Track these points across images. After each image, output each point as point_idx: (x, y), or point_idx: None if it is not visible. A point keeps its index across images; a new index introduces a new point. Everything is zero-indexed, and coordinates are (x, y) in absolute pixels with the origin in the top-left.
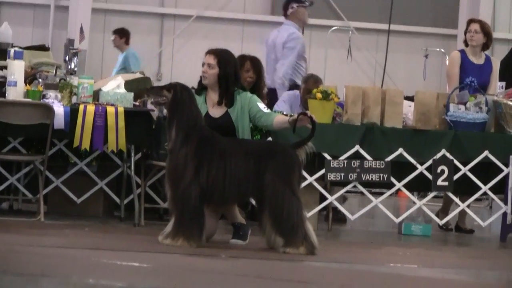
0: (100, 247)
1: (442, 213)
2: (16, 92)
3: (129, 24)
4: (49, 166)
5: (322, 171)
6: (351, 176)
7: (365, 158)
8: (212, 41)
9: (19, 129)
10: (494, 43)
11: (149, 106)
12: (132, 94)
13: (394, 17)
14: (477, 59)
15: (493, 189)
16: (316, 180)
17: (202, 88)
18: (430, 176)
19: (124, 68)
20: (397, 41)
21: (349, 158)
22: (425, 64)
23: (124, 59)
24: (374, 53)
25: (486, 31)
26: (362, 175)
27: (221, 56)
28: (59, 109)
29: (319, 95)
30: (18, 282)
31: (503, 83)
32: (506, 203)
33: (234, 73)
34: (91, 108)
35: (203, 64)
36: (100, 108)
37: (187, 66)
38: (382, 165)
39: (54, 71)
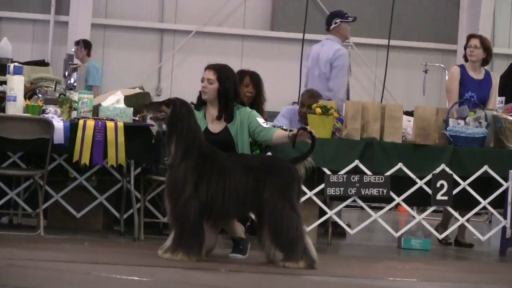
0: (100, 262)
1: (442, 227)
2: (15, 107)
3: (128, 39)
4: (48, 181)
5: (322, 186)
6: (350, 191)
7: (364, 173)
8: (212, 56)
9: (18, 144)
10: (493, 58)
11: (149, 121)
12: (131, 109)
13: (393, 33)
14: (477, 74)
15: (492, 203)
16: (316, 194)
17: (201, 103)
18: (429, 191)
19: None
20: (397, 56)
21: (349, 173)
22: (425, 79)
23: (86, 71)
24: (374, 68)
25: (486, 47)
26: (361, 189)
27: (221, 71)
28: (58, 124)
29: (318, 110)
30: None
31: (503, 98)
32: (505, 218)
33: (234, 88)
34: (90, 123)
35: (202, 80)
36: (100, 123)
37: (186, 81)
38: (382, 179)
39: (53, 86)
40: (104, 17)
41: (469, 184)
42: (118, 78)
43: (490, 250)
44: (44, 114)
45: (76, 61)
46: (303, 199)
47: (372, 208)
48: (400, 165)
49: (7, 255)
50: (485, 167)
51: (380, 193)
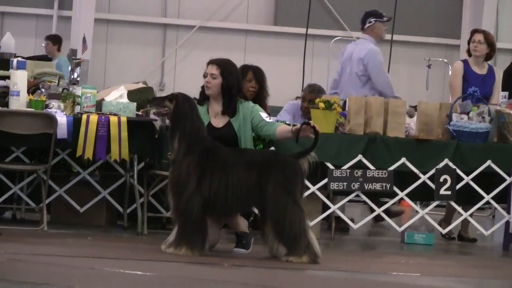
0: (103, 256)
1: (445, 222)
2: (19, 102)
3: (132, 34)
4: (52, 176)
5: (325, 181)
6: (353, 186)
7: (367, 168)
8: (215, 51)
9: (22, 138)
10: (496, 53)
11: (152, 116)
12: (135, 104)
13: (397, 28)
14: (480, 69)
15: (495, 198)
16: (319, 189)
17: (204, 98)
18: (433, 186)
19: None
20: (400, 51)
21: (352, 168)
22: (428, 74)
23: (56, 67)
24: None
25: (490, 42)
26: (364, 184)
27: (224, 66)
28: (62, 119)
29: (321, 105)
30: None
31: (506, 93)
32: (508, 212)
33: (237, 83)
34: (94, 118)
35: (205, 75)
36: (103, 118)
37: (189, 76)
38: (385, 174)
39: (57, 81)
40: (107, 12)
41: (472, 179)
42: (121, 73)
43: (494, 245)
44: (48, 109)
45: (79, 56)
46: (306, 194)
47: (375, 203)
48: (403, 160)
49: (11, 250)
50: (489, 162)
51: (384, 188)
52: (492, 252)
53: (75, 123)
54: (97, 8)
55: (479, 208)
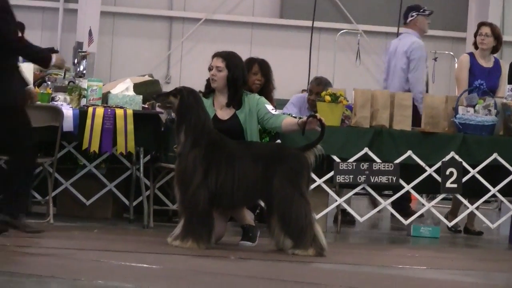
0: (109, 249)
1: (452, 215)
2: None
3: (138, 27)
4: (58, 169)
5: (331, 174)
6: (360, 179)
7: (374, 161)
8: (221, 44)
9: None
10: (502, 46)
11: (158, 109)
12: (141, 96)
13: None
14: (486, 62)
15: (502, 191)
16: (325, 182)
17: (209, 91)
18: (439, 179)
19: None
20: None
21: (358, 161)
22: (434, 67)
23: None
24: (383, 56)
25: (496, 35)
26: (371, 177)
27: (229, 58)
28: (68, 111)
29: (327, 98)
30: (27, 284)
31: None
32: None
33: (242, 75)
34: (100, 111)
35: (210, 68)
36: (109, 110)
37: (195, 69)
38: (391, 167)
39: (63, 74)
40: (113, 4)
41: (478, 172)
42: (127, 66)
43: (500, 238)
44: (54, 102)
45: (85, 48)
46: (312, 186)
47: (381, 195)
48: (409, 153)
49: (17, 243)
50: (495, 155)
51: (390, 181)
52: (498, 245)
53: (81, 116)
54: (103, 1)
55: (485, 201)
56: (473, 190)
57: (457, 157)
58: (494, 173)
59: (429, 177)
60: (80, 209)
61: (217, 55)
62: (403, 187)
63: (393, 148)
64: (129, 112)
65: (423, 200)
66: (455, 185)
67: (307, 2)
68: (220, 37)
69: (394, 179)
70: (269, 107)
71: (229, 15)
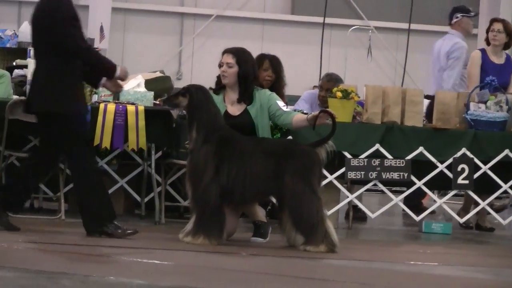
0: (121, 245)
1: (464, 211)
2: None
3: (149, 23)
4: None
5: (343, 170)
6: (371, 175)
7: (385, 157)
8: (232, 40)
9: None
10: None
11: None
12: (152, 93)
13: (414, 16)
14: (498, 59)
15: None
16: (337, 178)
17: (220, 87)
18: (450, 175)
19: None
20: (417, 40)
21: (369, 157)
22: None
23: None
24: (394, 52)
25: (509, 31)
26: (382, 173)
27: (239, 54)
28: None
29: (339, 94)
30: (39, 280)
31: None
32: None
33: (253, 70)
34: (111, 107)
35: (221, 65)
36: (121, 107)
37: (206, 65)
38: (403, 163)
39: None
40: (124, 1)
41: (490, 168)
42: (138, 62)
43: (511, 234)
44: None
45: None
46: (324, 183)
47: (392, 192)
48: (421, 149)
49: (28, 239)
50: (506, 151)
51: (401, 177)
52: (510, 241)
53: (92, 112)
54: None
55: (496, 197)
56: (484, 187)
57: (468, 153)
58: (505, 169)
59: (440, 173)
60: None
61: (227, 51)
62: (415, 183)
63: (404, 144)
64: (141, 108)
65: (434, 197)
66: (466, 181)
67: None
68: (231, 33)
69: (406, 175)
70: (280, 103)
71: (240, 11)
